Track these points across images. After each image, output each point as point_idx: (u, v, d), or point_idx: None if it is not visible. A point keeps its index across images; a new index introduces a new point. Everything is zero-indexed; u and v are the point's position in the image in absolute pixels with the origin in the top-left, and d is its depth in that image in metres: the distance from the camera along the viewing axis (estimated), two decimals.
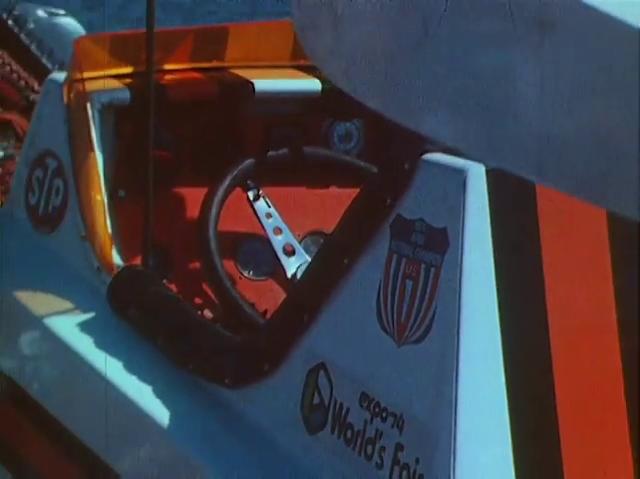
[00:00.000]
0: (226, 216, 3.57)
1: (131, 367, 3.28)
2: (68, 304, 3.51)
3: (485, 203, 2.58)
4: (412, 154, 2.68)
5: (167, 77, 3.67)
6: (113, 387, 3.25)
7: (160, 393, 3.19)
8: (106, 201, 3.57)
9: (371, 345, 2.72)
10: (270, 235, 3.61)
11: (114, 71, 3.72)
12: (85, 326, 3.44)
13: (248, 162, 3.62)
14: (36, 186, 3.76)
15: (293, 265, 3.58)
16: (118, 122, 3.66)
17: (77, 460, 3.18)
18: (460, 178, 2.58)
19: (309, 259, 3.56)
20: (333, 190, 3.71)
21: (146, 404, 3.17)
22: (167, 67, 3.67)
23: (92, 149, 3.61)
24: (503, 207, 2.60)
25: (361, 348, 2.76)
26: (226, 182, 3.57)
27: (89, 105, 3.62)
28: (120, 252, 3.51)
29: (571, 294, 2.64)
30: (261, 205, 3.63)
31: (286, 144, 3.71)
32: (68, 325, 3.45)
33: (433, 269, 2.61)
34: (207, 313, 3.54)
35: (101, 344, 3.37)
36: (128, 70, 3.70)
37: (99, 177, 3.60)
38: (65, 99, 3.69)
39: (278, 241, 3.61)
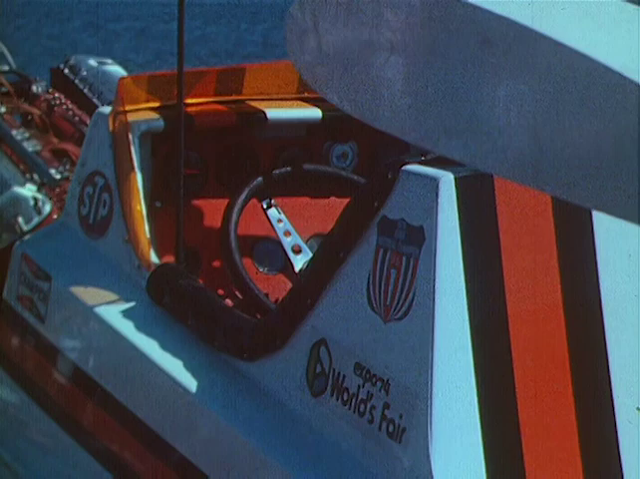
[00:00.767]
0: (244, 222, 3.55)
1: (166, 345, 3.27)
2: (114, 296, 3.49)
3: (455, 205, 2.58)
4: (394, 165, 2.68)
5: (195, 108, 3.64)
6: (151, 362, 3.24)
7: (190, 366, 3.18)
8: (144, 210, 3.56)
9: (363, 323, 2.72)
10: (281, 237, 3.58)
11: (150, 104, 3.70)
12: (128, 313, 3.43)
13: (260, 178, 3.59)
14: (87, 200, 3.74)
15: (300, 262, 3.55)
16: (154, 146, 3.64)
17: (164, 457, 3.09)
18: (433, 184, 2.58)
19: None
20: (332, 199, 3.68)
21: (178, 374, 3.16)
22: (194, 100, 3.65)
23: (133, 168, 3.59)
24: (469, 208, 2.59)
25: (354, 326, 2.75)
26: (244, 194, 3.54)
27: (130, 132, 3.61)
28: (156, 253, 3.49)
29: (524, 278, 2.62)
30: (273, 212, 3.61)
31: (292, 163, 3.67)
32: (115, 313, 3.43)
33: (412, 260, 2.61)
34: (229, 301, 3.50)
35: (141, 327, 3.36)
36: (162, 103, 3.68)
37: (138, 191, 3.58)
38: (110, 127, 3.68)
39: (288, 242, 3.58)
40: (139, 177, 3.58)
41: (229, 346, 3.14)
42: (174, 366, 3.19)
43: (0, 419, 3.89)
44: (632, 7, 1.62)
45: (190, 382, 3.13)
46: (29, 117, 5.34)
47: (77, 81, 5.68)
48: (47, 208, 4.62)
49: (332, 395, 2.77)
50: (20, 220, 4.53)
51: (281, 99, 3.78)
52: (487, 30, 1.56)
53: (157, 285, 3.40)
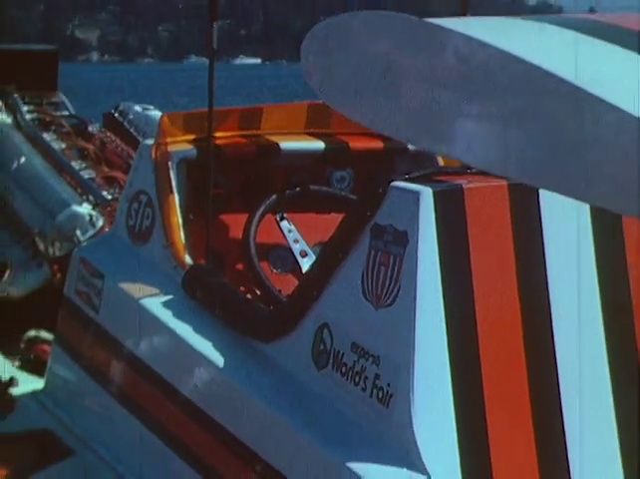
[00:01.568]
0: (261, 232, 3.54)
1: (198, 330, 3.27)
2: (156, 291, 3.49)
3: (433, 214, 2.59)
4: (384, 182, 2.70)
5: (221, 141, 3.64)
6: (186, 343, 3.24)
7: (217, 346, 3.18)
8: (180, 222, 3.55)
9: (358, 310, 2.72)
10: (291, 244, 3.59)
11: (186, 137, 3.70)
12: (167, 304, 3.43)
13: (275, 196, 3.59)
14: (133, 214, 3.74)
15: (306, 264, 3.55)
16: (188, 170, 3.64)
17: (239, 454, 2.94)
18: (415, 197, 2.60)
19: None
20: (333, 214, 3.64)
21: (208, 353, 3.16)
22: (221, 134, 3.64)
23: (171, 188, 3.60)
24: (445, 216, 2.60)
25: (351, 312, 2.76)
26: (261, 209, 3.54)
27: (169, 160, 3.62)
28: (190, 256, 3.49)
29: (488, 274, 2.63)
30: (285, 224, 3.62)
31: (301, 185, 3.65)
32: (156, 304, 3.44)
33: (398, 259, 2.63)
34: (249, 296, 3.48)
35: (178, 316, 3.36)
36: (195, 136, 3.68)
37: (175, 206, 3.59)
38: (153, 156, 3.68)
39: (296, 248, 3.59)
40: (176, 195, 3.59)
41: (250, 331, 3.14)
42: (205, 346, 3.19)
43: (61, 391, 3.87)
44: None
45: (218, 359, 3.13)
46: (85, 151, 5.38)
47: (125, 123, 5.75)
48: (100, 222, 4.65)
49: (333, 369, 2.78)
50: (78, 232, 4.56)
51: (291, 133, 3.77)
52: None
53: (190, 282, 3.40)
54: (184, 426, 3.22)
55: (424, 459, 2.52)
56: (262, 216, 3.54)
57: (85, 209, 4.70)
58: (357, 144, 3.77)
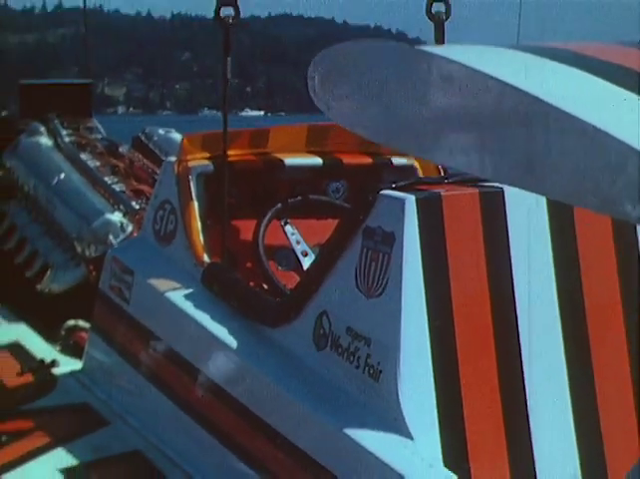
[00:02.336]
0: (268, 235, 3.52)
1: (216, 318, 3.26)
2: (178, 285, 3.48)
3: (415, 217, 2.59)
4: (374, 191, 2.70)
5: (234, 157, 3.61)
6: (206, 329, 3.23)
7: (232, 332, 3.17)
8: (199, 226, 3.54)
9: (352, 299, 2.72)
10: (294, 245, 3.57)
11: (203, 154, 3.68)
12: (188, 296, 3.41)
13: (279, 205, 3.58)
14: (159, 220, 3.71)
15: (307, 263, 3.52)
16: (206, 183, 3.62)
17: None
18: (401, 203, 2.61)
19: None
20: (329, 220, 3.56)
21: (224, 337, 3.15)
22: (234, 152, 3.62)
23: (191, 198, 3.59)
24: (426, 219, 2.60)
25: (346, 301, 2.75)
26: (268, 216, 3.53)
27: (190, 174, 3.61)
28: (208, 255, 3.48)
29: (462, 269, 2.62)
30: (289, 228, 3.60)
31: (302, 195, 3.63)
32: (179, 296, 3.42)
33: (386, 256, 2.62)
34: (258, 289, 3.43)
35: (198, 306, 3.34)
36: (211, 154, 3.66)
37: (195, 213, 3.57)
38: (175, 171, 3.66)
39: (298, 249, 3.57)
40: (195, 204, 3.57)
41: (259, 318, 3.13)
42: (221, 332, 3.19)
43: (97, 371, 3.86)
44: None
45: (232, 342, 3.13)
46: (116, 168, 5.36)
47: (150, 144, 5.73)
48: (129, 228, 4.63)
49: (331, 349, 2.78)
50: (110, 236, 4.53)
51: (294, 151, 3.76)
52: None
53: (208, 278, 3.39)
54: (203, 399, 3.21)
55: (408, 425, 2.53)
56: (269, 221, 3.52)
57: (116, 216, 4.69)
58: (349, 160, 3.76)
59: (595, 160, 1.37)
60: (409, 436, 2.52)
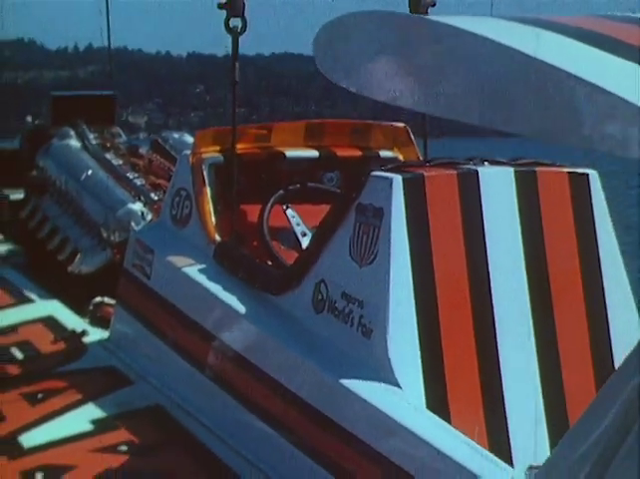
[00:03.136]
0: (272, 218, 3.51)
1: (226, 288, 3.26)
2: (193, 261, 3.47)
3: (402, 194, 2.61)
4: (365, 172, 2.73)
5: (241, 150, 3.60)
6: (217, 298, 3.24)
7: (240, 299, 3.18)
8: (211, 210, 3.54)
9: (346, 268, 2.73)
10: (294, 226, 3.55)
11: (215, 148, 3.67)
12: (202, 270, 3.41)
13: (281, 191, 3.57)
14: (175, 205, 3.70)
15: (306, 242, 3.46)
16: (217, 173, 3.61)
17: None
18: (389, 182, 2.63)
19: None
20: (324, 205, 3.44)
21: (234, 304, 3.16)
22: (241, 145, 3.61)
23: (204, 185, 3.58)
24: (411, 196, 2.62)
25: (341, 270, 2.76)
26: (271, 201, 3.52)
27: (203, 164, 3.60)
28: (219, 235, 3.47)
29: (442, 240, 2.63)
30: (290, 212, 3.58)
31: (301, 183, 3.62)
32: (194, 270, 3.42)
33: (376, 229, 2.64)
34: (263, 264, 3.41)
35: (210, 278, 3.34)
36: (222, 147, 3.64)
37: (208, 199, 3.56)
38: (190, 162, 3.65)
39: (298, 230, 3.54)
40: (208, 190, 3.56)
41: (265, 287, 3.14)
42: (231, 300, 3.19)
43: (122, 338, 3.85)
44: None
45: (241, 308, 3.14)
46: (137, 166, 5.36)
47: (167, 146, 5.71)
48: (149, 216, 4.60)
49: (328, 312, 2.79)
50: (132, 223, 4.51)
51: (293, 145, 3.74)
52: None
53: (219, 254, 3.39)
54: (216, 359, 3.21)
55: (396, 375, 2.55)
56: (272, 205, 3.53)
57: (137, 206, 4.66)
58: (342, 152, 3.76)
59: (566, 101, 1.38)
60: (397, 385, 2.54)
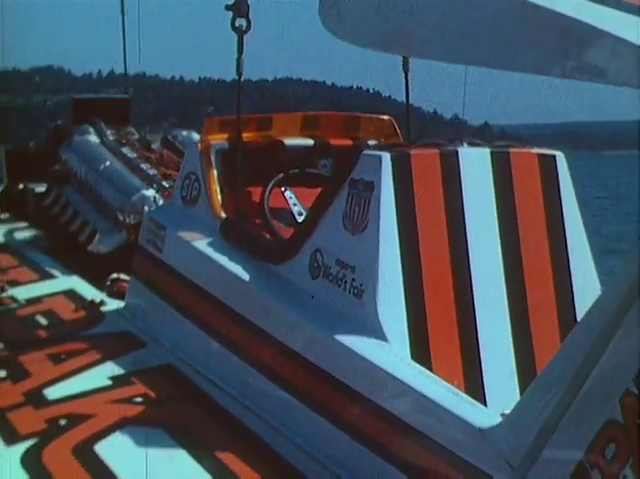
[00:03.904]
0: (272, 199, 3.50)
1: (231, 259, 3.23)
2: (201, 236, 3.44)
3: (390, 170, 2.60)
4: (358, 151, 2.73)
5: (245, 138, 3.58)
6: (224, 268, 3.21)
7: (244, 268, 3.15)
8: (218, 190, 3.52)
9: (340, 236, 2.72)
10: (292, 207, 3.54)
11: (221, 135, 3.64)
12: (209, 244, 3.38)
13: (280, 175, 3.56)
14: (185, 187, 3.66)
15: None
16: (223, 158, 3.59)
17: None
18: (378, 159, 2.62)
19: None
20: (319, 188, 3.37)
21: (238, 272, 3.13)
22: (245, 134, 3.58)
23: (211, 169, 3.56)
24: (398, 172, 2.61)
25: (336, 238, 2.75)
26: (271, 184, 3.51)
27: (210, 150, 3.59)
28: (225, 212, 3.46)
29: (426, 212, 2.62)
30: (288, 194, 3.57)
31: (298, 168, 3.59)
32: (202, 244, 3.40)
33: (367, 200, 2.63)
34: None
35: (217, 250, 3.31)
36: (228, 135, 3.62)
37: (214, 181, 3.54)
38: (199, 148, 3.63)
39: (295, 210, 3.53)
40: (214, 173, 3.54)
41: (266, 257, 3.12)
42: (237, 269, 3.17)
43: (136, 306, 3.82)
44: None
45: (244, 276, 3.12)
46: (149, 159, 5.33)
47: (176, 143, 5.70)
48: (161, 202, 4.57)
49: (323, 278, 2.78)
50: (146, 208, 4.50)
51: (291, 134, 3.73)
52: None
53: (225, 229, 3.38)
54: (222, 321, 3.19)
55: (384, 331, 2.55)
56: (272, 187, 3.51)
57: (150, 192, 4.63)
58: (335, 142, 3.74)
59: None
60: (385, 339, 2.54)
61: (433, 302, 2.59)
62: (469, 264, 2.65)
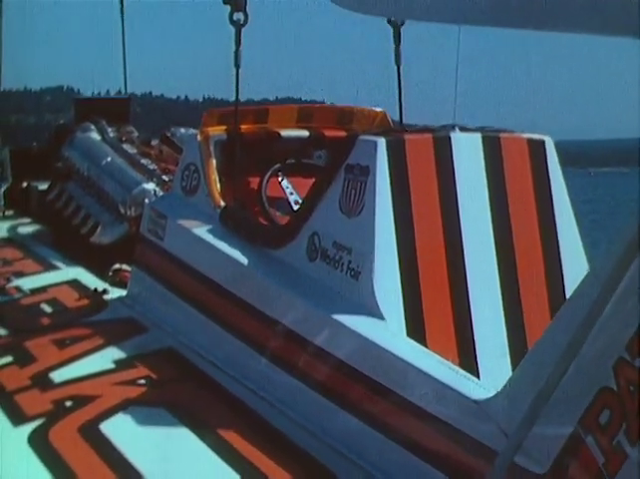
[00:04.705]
0: (269, 188, 3.49)
1: (231, 245, 3.21)
2: (201, 223, 3.41)
3: (385, 154, 2.58)
4: (354, 137, 2.71)
5: (242, 130, 3.57)
6: (223, 253, 3.19)
7: (244, 253, 3.13)
8: (217, 180, 3.49)
9: (336, 220, 2.69)
10: (289, 196, 3.52)
11: (220, 127, 3.62)
12: (209, 231, 3.35)
13: (277, 165, 3.54)
14: (185, 178, 3.62)
15: None
16: (221, 148, 3.56)
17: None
18: (374, 144, 2.60)
19: None
20: (314, 178, 3.34)
21: (238, 258, 3.11)
22: (243, 125, 3.57)
23: (210, 159, 3.51)
24: (393, 156, 2.59)
25: (332, 222, 2.72)
26: (269, 173, 3.49)
27: (209, 141, 3.56)
28: (223, 200, 3.43)
29: (420, 195, 2.59)
30: (285, 183, 3.55)
31: (294, 158, 3.58)
32: (202, 231, 3.37)
33: (363, 184, 2.61)
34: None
35: (217, 237, 3.29)
36: (226, 126, 3.60)
37: (213, 171, 3.51)
38: (198, 139, 3.60)
39: (292, 199, 3.51)
40: (213, 163, 3.51)
41: (264, 243, 3.10)
42: (236, 254, 3.14)
43: (138, 294, 3.77)
44: None
45: (244, 260, 3.10)
46: (149, 155, 5.30)
47: (175, 140, 5.66)
48: (160, 194, 4.58)
49: (321, 260, 2.76)
50: (146, 200, 4.45)
51: (287, 126, 3.71)
52: None
53: (224, 217, 3.35)
54: (222, 305, 3.16)
55: (380, 310, 2.53)
56: (270, 176, 3.49)
57: (151, 185, 4.59)
58: (329, 133, 3.72)
59: None
60: (381, 318, 2.52)
61: (427, 283, 2.57)
62: (462, 245, 2.62)
